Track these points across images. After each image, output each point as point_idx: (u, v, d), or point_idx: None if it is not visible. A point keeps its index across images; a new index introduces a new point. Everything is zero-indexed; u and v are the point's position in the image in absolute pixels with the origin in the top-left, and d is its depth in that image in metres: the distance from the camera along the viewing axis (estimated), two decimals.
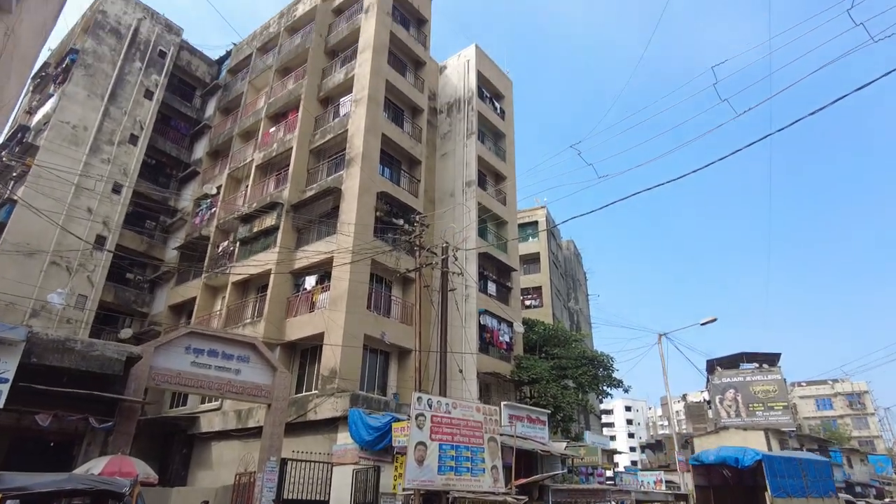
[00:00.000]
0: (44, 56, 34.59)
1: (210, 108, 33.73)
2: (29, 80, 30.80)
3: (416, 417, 12.08)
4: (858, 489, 42.12)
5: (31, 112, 30.57)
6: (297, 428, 17.83)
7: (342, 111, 25.20)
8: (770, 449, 39.22)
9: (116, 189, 26.78)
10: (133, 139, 28.47)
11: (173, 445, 21.80)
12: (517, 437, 15.13)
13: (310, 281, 22.00)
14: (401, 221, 22.31)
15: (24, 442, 12.89)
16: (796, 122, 10.89)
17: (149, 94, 29.92)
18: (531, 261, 41.89)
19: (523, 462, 15.69)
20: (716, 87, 12.51)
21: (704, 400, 60.00)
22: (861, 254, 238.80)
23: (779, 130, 11.18)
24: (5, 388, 10.54)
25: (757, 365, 52.90)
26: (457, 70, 31.25)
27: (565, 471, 17.77)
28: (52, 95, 27.96)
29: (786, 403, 49.89)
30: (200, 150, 32.35)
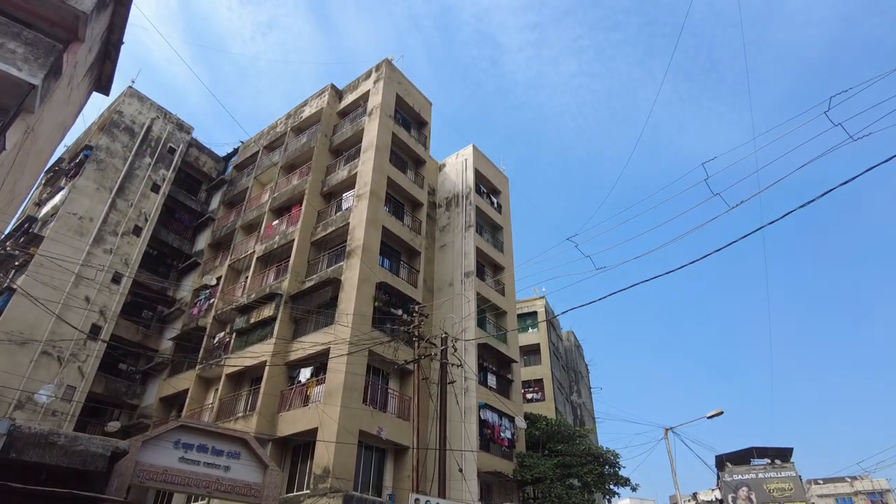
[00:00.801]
0: (59, 151, 36.06)
1: (214, 202, 34.63)
2: (42, 175, 31.91)
3: None
4: None
5: (40, 204, 31.33)
6: None
7: (344, 205, 25.89)
8: None
9: (116, 279, 26.90)
10: (137, 230, 28.99)
11: None
12: None
13: (305, 373, 21.54)
14: (399, 311, 22.26)
15: None
16: (786, 215, 11.20)
17: (156, 188, 30.84)
18: (531, 352, 41.31)
19: None
20: (707, 182, 12.96)
21: (716, 499, 56.90)
22: (863, 345, 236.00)
23: (770, 223, 11.47)
24: None
25: (769, 461, 50.76)
26: (455, 167, 32.51)
27: None
28: (63, 188, 28.80)
29: (804, 502, 47.33)
30: (202, 241, 32.85)
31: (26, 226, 27.98)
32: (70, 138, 37.32)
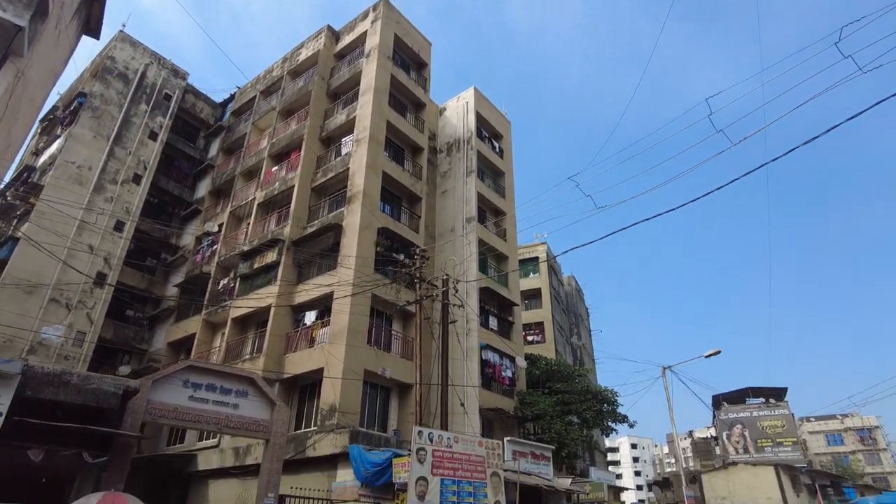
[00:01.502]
0: (53, 99, 35.49)
1: (213, 149, 34.30)
2: (37, 123, 31.52)
3: (418, 452, 11.87)
4: None
5: (37, 153, 31.11)
6: (296, 465, 17.47)
7: (344, 150, 25.63)
8: (782, 487, 38.24)
9: (118, 227, 27.01)
10: (136, 178, 28.86)
11: (170, 485, 21.29)
12: (521, 472, 14.80)
13: (310, 316, 21.93)
14: (401, 256, 22.41)
15: (16, 480, 12.65)
16: (791, 150, 11.06)
17: (153, 136, 30.49)
18: (533, 296, 41.80)
19: (528, 498, 15.30)
20: (710, 119, 12.77)
21: (711, 436, 58.85)
22: (864, 284, 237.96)
23: (774, 160, 11.35)
24: None
25: (763, 400, 52.16)
26: (456, 111, 31.92)
27: None
28: (59, 137, 28.52)
29: (795, 439, 48.94)
30: (203, 189, 32.75)
31: (25, 175, 27.87)
32: (62, 86, 36.67)
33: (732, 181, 11.19)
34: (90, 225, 25.56)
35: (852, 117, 9.38)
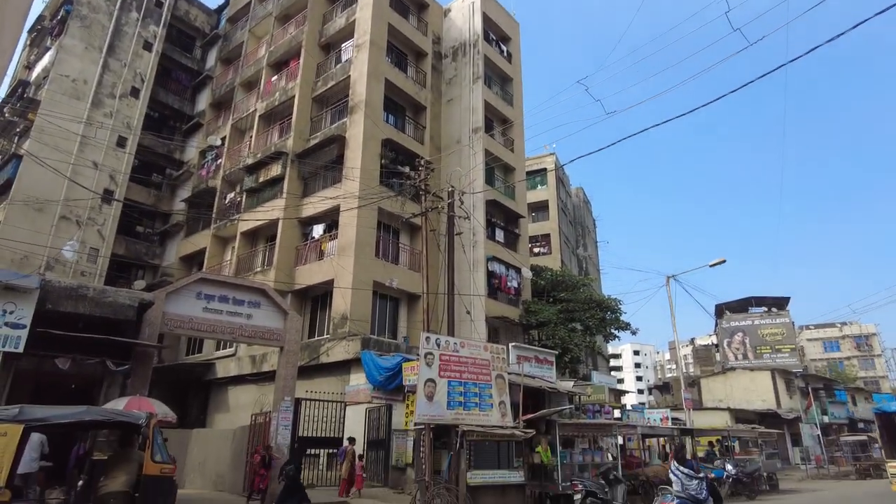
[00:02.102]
0: (38, 8, 33.96)
1: (211, 59, 33.17)
2: (25, 33, 30.35)
3: (426, 356, 12.31)
4: (861, 425, 42.89)
5: (29, 67, 30.24)
6: (311, 371, 18.30)
7: (344, 57, 24.68)
8: (776, 389, 39.86)
9: (121, 143, 26.69)
10: (135, 92, 28.15)
11: (191, 391, 22.50)
12: (524, 375, 15.42)
13: (318, 229, 22.11)
14: (406, 168, 22.16)
15: (47, 386, 13.35)
16: (812, 50, 10.49)
17: (147, 46, 29.38)
18: (540, 208, 41.66)
19: (531, 400, 16.04)
20: (728, 16, 12.04)
21: (713, 344, 60.64)
22: (875, 194, 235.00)
23: (792, 60, 10.82)
24: (24, 332, 10.86)
25: (766, 309, 53.10)
26: (461, 12, 30.25)
27: (572, 407, 18.19)
28: (50, 49, 27.56)
29: (793, 346, 50.31)
30: (203, 101, 32.02)
31: (20, 90, 27.23)
32: None
33: (748, 83, 10.73)
34: (92, 141, 25.26)
35: (882, 11, 8.78)
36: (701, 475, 9.47)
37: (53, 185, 23.02)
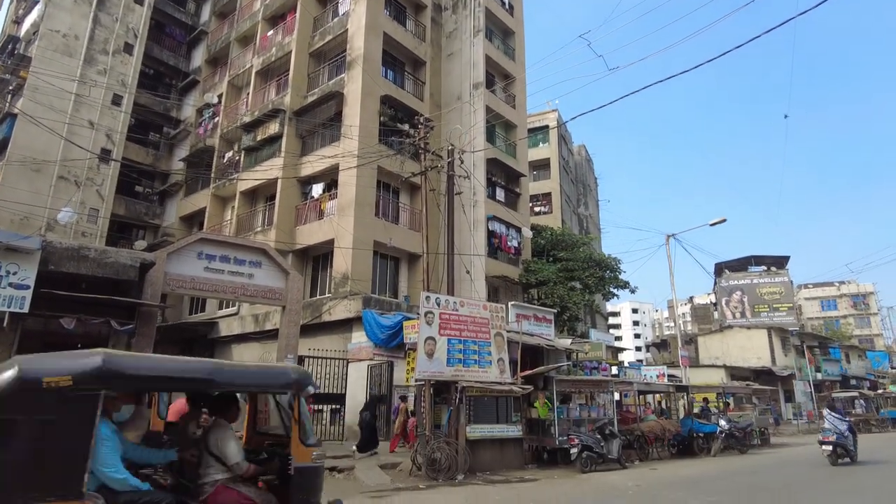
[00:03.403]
0: None
1: (205, 13, 32.31)
2: None
3: (426, 315, 12.47)
4: (854, 382, 43.74)
5: (18, 21, 29.44)
6: (313, 329, 18.55)
7: (341, 10, 24.01)
8: (772, 347, 40.44)
9: (116, 101, 26.25)
10: (128, 48, 27.50)
11: (195, 349, 22.85)
12: (523, 333, 15.65)
13: (317, 189, 22.01)
14: (406, 126, 21.87)
15: (53, 346, 13.53)
16: (818, 5, 10.18)
17: (139, 0, 28.55)
18: (541, 167, 41.30)
19: (529, 357, 16.33)
20: None
21: (711, 302, 61.17)
22: (878, 154, 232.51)
23: (801, 14, 10.51)
24: (28, 293, 10.97)
25: (765, 268, 53.37)
26: None
27: (570, 364, 18.53)
28: (38, 2, 26.79)
29: (791, 305, 50.82)
30: (198, 57, 31.36)
31: (10, 46, 26.64)
32: None
33: (755, 38, 10.52)
34: (87, 99, 24.85)
35: None
36: (847, 419, 14.62)
37: (50, 145, 22.78)
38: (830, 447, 13.60)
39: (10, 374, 3.28)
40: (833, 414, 14.19)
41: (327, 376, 15.60)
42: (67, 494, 3.32)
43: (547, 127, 41.05)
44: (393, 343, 15.94)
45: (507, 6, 30.45)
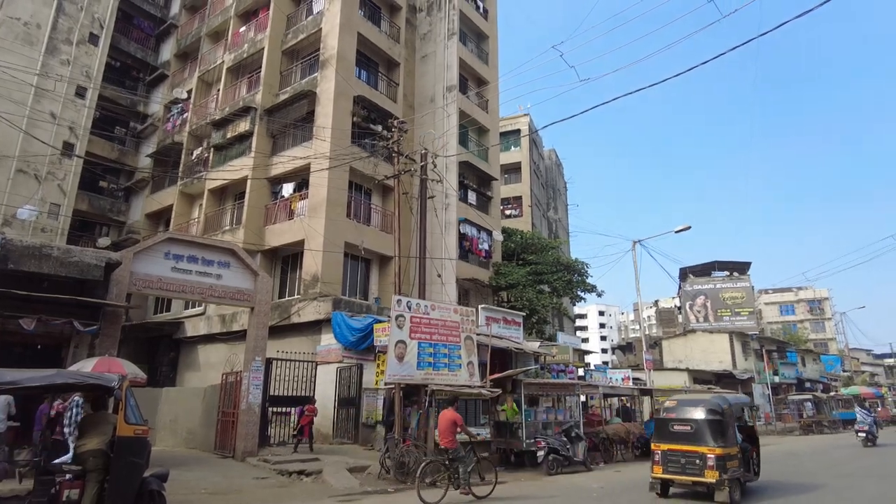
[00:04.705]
0: None
1: (175, 6, 31.64)
2: None
3: (397, 318, 12.52)
4: (808, 385, 45.40)
5: None
6: (282, 330, 18.39)
7: (315, 8, 23.85)
8: (733, 351, 41.67)
9: (80, 93, 25.49)
10: (93, 38, 26.72)
11: (160, 349, 22.41)
12: (493, 336, 15.83)
13: (287, 188, 21.82)
14: (379, 127, 21.86)
15: (11, 346, 13.12)
16: (783, 24, 10.63)
17: None
18: (512, 170, 41.68)
19: (498, 360, 16.53)
20: None
21: (675, 306, 62.60)
22: (836, 168, 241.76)
23: (763, 34, 10.94)
24: None
25: (728, 273, 54.89)
26: None
27: (538, 367, 18.80)
28: None
29: (752, 309, 52.34)
30: (167, 51, 30.71)
31: None
32: None
33: (719, 55, 10.96)
34: (49, 90, 24.06)
35: None
36: (872, 414, 20.89)
37: (7, 137, 22.01)
38: (864, 434, 19.68)
39: None
40: (863, 411, 21.01)
41: (296, 379, 15.49)
42: None
43: (519, 131, 41.49)
44: (363, 346, 15.93)
45: (481, 10, 30.68)
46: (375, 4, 25.43)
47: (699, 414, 9.49)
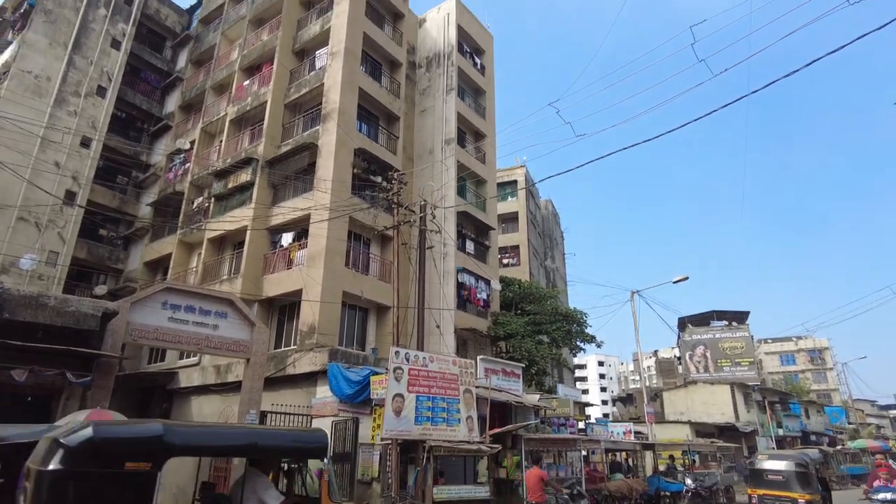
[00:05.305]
0: None
1: (181, 60, 32.62)
2: None
3: (394, 370, 12.34)
4: (813, 438, 44.45)
5: None
6: (277, 382, 18.08)
7: (318, 64, 24.60)
8: (735, 403, 41.01)
9: (85, 143, 25.97)
10: (101, 91, 27.44)
11: (153, 400, 21.93)
12: (492, 389, 15.58)
13: (287, 238, 21.91)
14: (379, 179, 22.16)
15: (1, 398, 12.86)
16: (771, 83, 10.99)
17: (116, 44, 28.70)
18: (509, 220, 42.09)
19: (498, 413, 16.21)
20: (693, 48, 12.50)
21: (675, 356, 61.97)
22: (827, 220, 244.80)
23: (754, 92, 11.29)
24: None
25: (727, 322, 54.60)
26: (436, 23, 30.51)
27: (538, 421, 18.42)
28: (11, 42, 26.68)
29: (752, 359, 51.81)
30: (172, 103, 31.44)
31: None
32: None
33: (711, 112, 11.18)
34: (55, 140, 24.51)
35: (833, 51, 9.30)
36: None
37: (11, 185, 22.25)
38: None
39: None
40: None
41: None
42: None
43: (515, 182, 42.11)
44: (359, 398, 15.62)
45: (478, 66, 31.70)
46: (377, 61, 26.25)
47: (788, 466, 11.84)
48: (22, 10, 26.94)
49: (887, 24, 9.25)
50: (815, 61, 10.05)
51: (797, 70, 10.48)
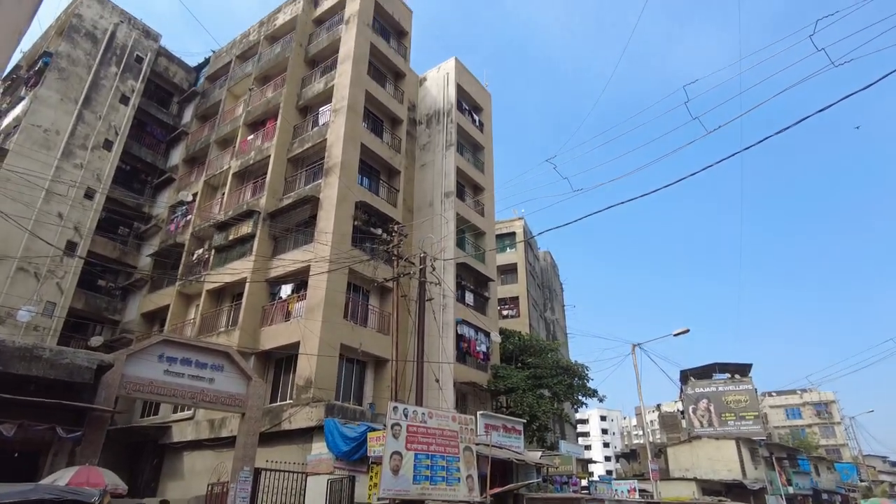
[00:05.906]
0: (15, 58, 33.97)
1: (187, 115, 33.47)
2: None
3: (392, 427, 12.08)
4: (825, 496, 43.02)
5: (0, 114, 29.95)
6: (272, 437, 17.65)
7: (321, 120, 25.24)
8: (741, 458, 39.92)
9: (89, 194, 26.32)
10: (108, 144, 28.05)
11: (143, 456, 21.35)
12: (493, 446, 15.21)
13: (286, 289, 21.87)
14: (379, 231, 22.35)
15: None
16: (763, 140, 11.26)
17: (124, 100, 29.54)
18: (508, 271, 42.17)
19: (499, 471, 15.77)
20: (687, 106, 12.85)
21: (678, 410, 60.70)
22: (830, 269, 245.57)
23: (746, 149, 11.56)
24: None
25: (729, 375, 53.75)
26: (436, 82, 31.53)
27: (540, 479, 17.88)
28: (24, 98, 27.45)
29: (757, 413, 50.71)
30: (177, 156, 32.05)
31: None
32: (25, 44, 35.14)
33: (705, 168, 11.43)
34: (59, 192, 24.84)
35: (821, 110, 9.60)
36: None
37: (13, 236, 22.39)
38: None
39: None
40: None
41: (284, 491, 14.65)
42: None
43: (514, 234, 42.44)
44: (355, 456, 15.23)
45: (477, 123, 32.57)
46: (378, 118, 26.96)
47: None
48: (37, 68, 27.84)
49: (871, 84, 9.58)
50: (800, 122, 10.34)
51: (784, 129, 10.76)
